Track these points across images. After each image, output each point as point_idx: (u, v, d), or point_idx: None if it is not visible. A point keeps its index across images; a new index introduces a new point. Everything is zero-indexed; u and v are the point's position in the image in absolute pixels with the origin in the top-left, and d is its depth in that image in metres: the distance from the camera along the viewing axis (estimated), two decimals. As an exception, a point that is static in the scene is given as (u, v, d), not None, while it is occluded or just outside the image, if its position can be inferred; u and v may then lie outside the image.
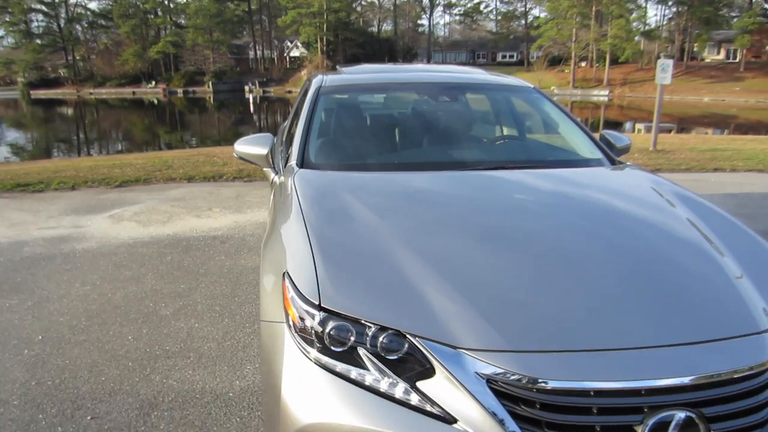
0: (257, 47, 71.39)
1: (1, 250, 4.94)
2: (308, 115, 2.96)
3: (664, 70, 10.75)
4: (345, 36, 65.75)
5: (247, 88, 61.04)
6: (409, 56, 76.37)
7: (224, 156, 10.17)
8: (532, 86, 3.63)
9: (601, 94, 56.14)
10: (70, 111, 46.78)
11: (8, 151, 21.28)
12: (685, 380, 1.40)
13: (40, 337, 3.33)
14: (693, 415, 1.37)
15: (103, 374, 2.91)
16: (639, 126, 20.21)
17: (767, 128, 28.95)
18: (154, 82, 63.48)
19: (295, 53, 71.15)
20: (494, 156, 3.24)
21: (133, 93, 61.15)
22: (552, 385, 1.37)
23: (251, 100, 52.44)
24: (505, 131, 3.73)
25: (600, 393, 1.38)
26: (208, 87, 60.68)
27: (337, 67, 3.95)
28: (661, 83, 10.87)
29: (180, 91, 61.16)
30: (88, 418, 2.55)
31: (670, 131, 18.77)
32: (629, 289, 1.68)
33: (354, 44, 66.40)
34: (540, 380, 1.37)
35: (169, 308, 3.71)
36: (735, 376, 1.44)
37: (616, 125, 29.87)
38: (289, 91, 60.55)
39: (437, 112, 3.49)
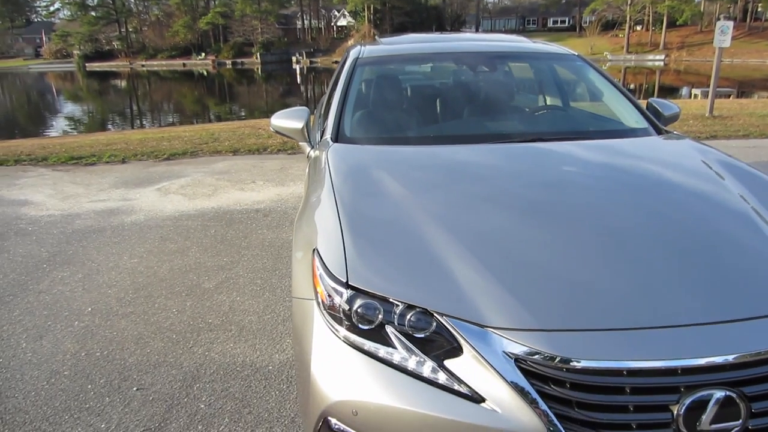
0: (304, 17, 71.25)
1: (55, 223, 5.12)
2: (344, 87, 2.90)
3: (724, 32, 10.14)
4: (392, 4, 64.80)
5: (294, 58, 61.14)
6: (457, 24, 74.72)
7: (269, 128, 10.23)
8: (576, 54, 3.46)
9: (656, 59, 53.72)
10: (123, 83, 48.04)
11: (66, 124, 22.03)
12: (726, 359, 1.33)
13: (89, 309, 3.44)
14: (733, 395, 1.30)
15: (149, 346, 2.99)
16: (695, 91, 19.26)
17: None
18: (203, 54, 64.37)
19: (342, 22, 70.72)
20: (536, 127, 3.12)
21: (184, 65, 62.20)
22: (583, 364, 1.32)
23: (298, 71, 52.53)
24: (548, 101, 3.59)
25: (634, 372, 1.32)
26: (256, 58, 61.09)
27: (376, 37, 3.85)
28: (720, 46, 10.27)
29: (229, 62, 61.82)
30: (134, 389, 2.62)
31: (728, 96, 17.79)
32: (670, 264, 1.60)
33: (401, 12, 65.40)
34: (571, 360, 1.32)
35: (211, 281, 3.77)
36: None
37: (671, 91, 28.62)
38: (336, 62, 60.17)
39: (477, 82, 3.37)
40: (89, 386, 2.66)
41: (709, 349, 1.34)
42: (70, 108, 29.52)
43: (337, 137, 2.63)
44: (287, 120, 2.86)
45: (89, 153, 8.29)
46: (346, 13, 68.38)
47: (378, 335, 1.49)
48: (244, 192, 6.02)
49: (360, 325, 1.51)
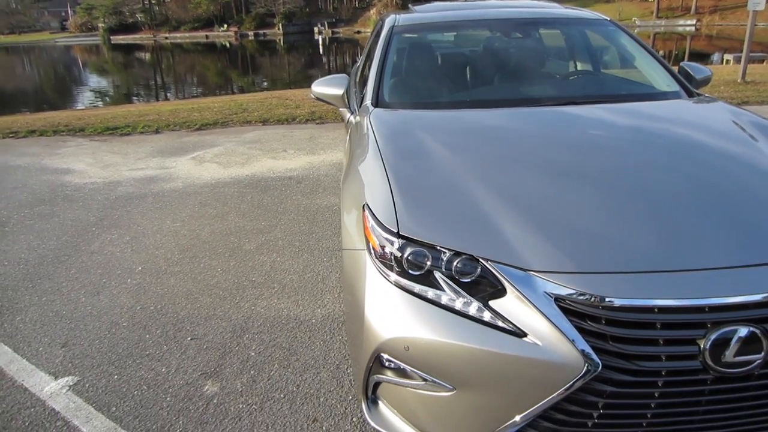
0: (327, -14, 70.49)
1: (99, 190, 5.36)
2: (382, 55, 3.02)
3: (760, -6, 9.90)
4: (414, -29, 63.62)
5: (316, 29, 60.75)
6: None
7: (296, 99, 10.36)
8: (608, 19, 3.51)
9: (687, 24, 52.15)
10: (147, 56, 48.35)
11: (94, 96, 22.40)
12: (750, 298, 1.44)
13: (140, 268, 3.66)
14: (756, 331, 1.41)
15: (198, 301, 3.19)
16: (727, 57, 18.79)
17: None
18: (225, 26, 64.27)
19: (364, -9, 69.76)
20: (568, 91, 3.22)
21: (206, 37, 62.25)
22: (617, 302, 1.44)
23: (320, 42, 52.24)
24: (580, 66, 3.65)
25: (664, 310, 1.44)
26: (278, 29, 60.82)
27: (410, 5, 3.93)
28: (754, 9, 10.03)
29: (251, 33, 61.69)
30: (189, 339, 2.83)
31: (762, 61, 17.34)
32: (698, 215, 1.71)
33: (423, -21, 64.20)
34: (606, 298, 1.45)
35: (252, 243, 3.96)
36: None
37: (701, 57, 27.87)
38: (358, 32, 59.82)
39: (510, 48, 3.45)
40: (147, 336, 2.88)
41: (734, 289, 1.46)
42: (96, 81, 29.93)
43: (377, 103, 2.77)
44: (328, 87, 2.99)
45: (123, 124, 8.52)
46: (368, -19, 67.39)
47: (427, 280, 1.64)
48: (276, 160, 6.19)
49: (410, 271, 1.65)
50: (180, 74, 33.30)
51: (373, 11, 59.66)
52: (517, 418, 1.51)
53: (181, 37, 63.21)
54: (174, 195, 5.14)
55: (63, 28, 76.70)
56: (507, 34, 3.47)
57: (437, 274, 1.63)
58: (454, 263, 1.61)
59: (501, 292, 1.55)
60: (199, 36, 62.85)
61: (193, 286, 3.37)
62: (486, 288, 1.58)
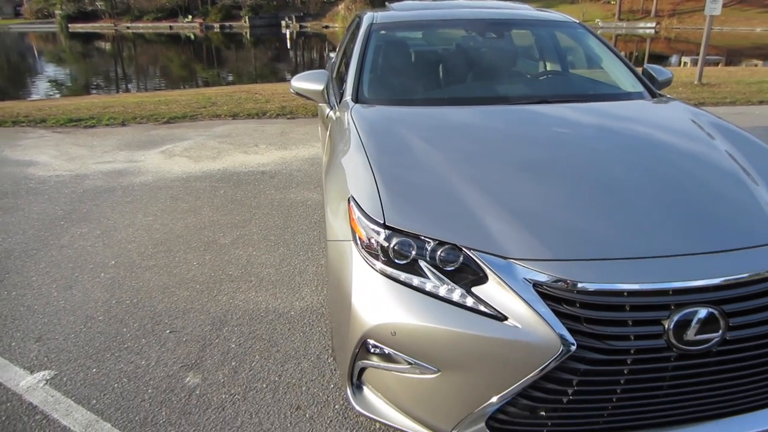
0: (294, -21, 69.74)
1: (65, 183, 5.27)
2: (361, 52, 3.07)
3: (715, 0, 10.29)
4: (382, -33, 63.53)
5: (283, 23, 60.08)
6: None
7: (266, 93, 10.31)
8: (577, 21, 3.66)
9: (647, 27, 53.55)
10: (107, 46, 47.06)
11: (51, 86, 21.73)
12: (710, 282, 1.59)
13: (113, 262, 3.63)
14: (715, 312, 1.55)
15: (175, 295, 3.20)
16: (685, 59, 19.44)
17: (826, 62, 27.52)
18: (190, 17, 62.91)
19: (332, -15, 69.36)
20: (539, 90, 3.36)
21: (170, 27, 60.84)
22: (590, 287, 1.57)
23: (288, 36, 51.73)
24: (550, 66, 3.78)
25: (632, 293, 1.57)
26: (245, 22, 59.88)
27: (387, 3, 4.00)
28: (710, 14, 10.43)
29: (217, 26, 60.58)
30: (167, 331, 2.84)
31: (717, 64, 18.02)
32: (663, 206, 1.85)
33: (392, -24, 64.16)
34: (580, 283, 1.57)
35: (227, 238, 3.97)
36: (756, 278, 1.62)
37: (661, 59, 28.71)
38: (326, 27, 59.46)
39: (485, 48, 3.55)
40: (124, 329, 2.87)
41: (695, 273, 1.60)
42: (53, 70, 28.97)
43: (357, 98, 2.83)
44: (308, 82, 3.03)
45: (87, 115, 8.35)
46: (335, -24, 67.01)
47: (412, 268, 1.72)
48: (248, 155, 6.18)
49: (396, 260, 1.73)
50: (142, 66, 32.53)
51: (341, 6, 59.39)
52: (494, 398, 1.61)
53: (144, 27, 61.60)
54: (144, 189, 5.09)
55: (17, 14, 73.97)
56: (482, 34, 3.57)
57: (422, 263, 1.71)
58: (438, 252, 1.69)
59: (483, 279, 1.64)
60: (163, 27, 61.39)
61: (169, 280, 3.37)
62: (468, 275, 1.67)
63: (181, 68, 30.67)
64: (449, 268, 1.68)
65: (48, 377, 2.52)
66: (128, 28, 61.57)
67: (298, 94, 3.08)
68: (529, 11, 3.76)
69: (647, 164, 2.16)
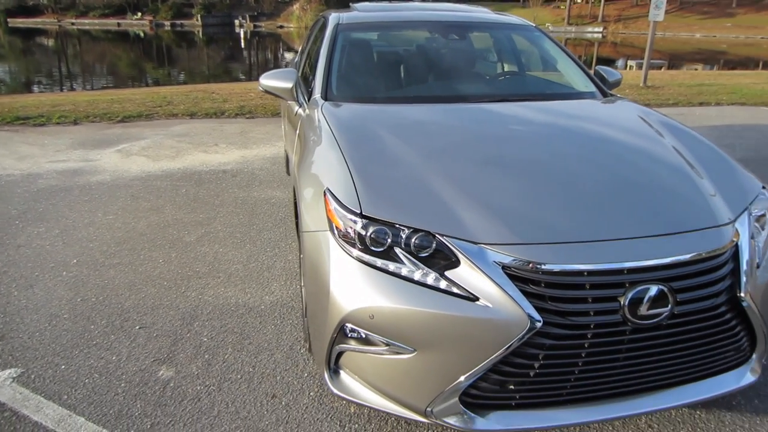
0: (246, -22, 68.74)
1: (17, 182, 5.13)
2: (328, 51, 3.15)
3: (658, 6, 10.78)
4: (337, -33, 63.44)
5: (237, 22, 59.24)
6: (402, -11, 74.18)
7: (223, 93, 10.22)
8: (534, 25, 3.84)
9: (595, 31, 55.29)
10: (51, 42, 45.36)
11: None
12: (660, 261, 1.75)
13: (75, 261, 3.58)
14: (664, 289, 1.72)
15: (142, 292, 3.19)
16: (631, 63, 20.25)
17: (755, 63, 29.15)
18: (140, 14, 61.21)
19: (287, -15, 68.78)
20: (499, 90, 3.51)
21: (118, 24, 59.09)
22: (554, 268, 1.71)
23: (242, 35, 51.04)
24: (509, 67, 3.94)
25: (591, 273, 1.72)
26: (197, 20, 58.71)
27: (350, 4, 4.08)
28: (654, 20, 10.93)
29: (167, 24, 59.17)
30: (137, 327, 2.84)
31: (660, 68, 18.83)
32: (616, 195, 2.02)
33: (346, -24, 64.13)
34: (545, 265, 1.71)
35: (192, 235, 3.97)
36: (699, 257, 1.80)
37: (608, 62, 29.69)
38: (281, 26, 58.95)
39: (447, 49, 3.68)
40: (92, 327, 2.86)
41: (647, 254, 1.76)
42: (-10, 67, 27.81)
43: (327, 96, 2.90)
44: (277, 80, 3.07)
45: (36, 113, 8.11)
46: (290, -25, 66.51)
47: (388, 255, 1.81)
48: (208, 154, 6.14)
49: (373, 248, 1.82)
50: (88, 63, 31.49)
51: (296, 6, 59.03)
52: (467, 374, 1.72)
53: (90, 23, 59.60)
54: (103, 188, 5.01)
55: (-48, 9, 70.48)
56: (444, 36, 3.70)
57: (397, 250, 1.80)
58: (413, 239, 1.80)
59: (455, 263, 1.75)
60: (110, 23, 59.54)
61: (135, 278, 3.36)
62: (441, 260, 1.77)
63: (130, 67, 29.88)
64: (423, 254, 1.78)
65: (15, 375, 2.49)
66: (73, 24, 59.45)
67: (266, 91, 3.12)
68: (488, 14, 3.92)
69: (600, 158, 2.33)
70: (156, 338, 2.75)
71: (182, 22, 59.62)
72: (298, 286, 3.22)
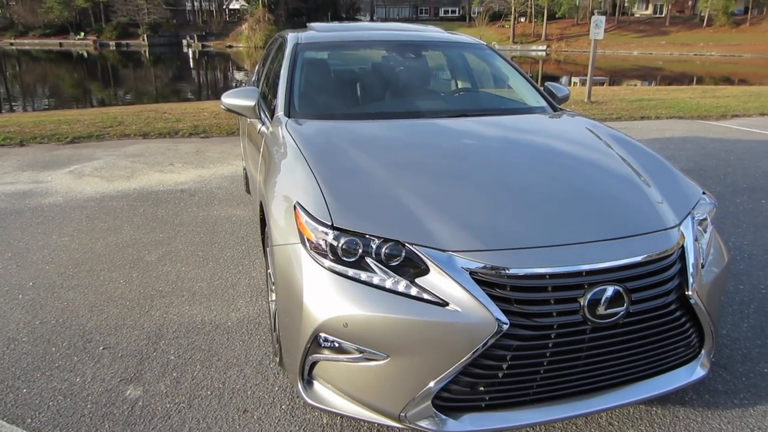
0: (194, -2, 68.22)
1: (-35, 206, 4.96)
2: (289, 70, 3.22)
3: (598, 25, 11.32)
4: (287, -12, 63.74)
5: (185, 42, 58.59)
6: (352, 11, 75.13)
7: (175, 112, 10.11)
8: (485, 44, 4.02)
9: (539, 49, 57.21)
10: (-12, 63, 43.76)
11: None
12: (614, 263, 1.88)
13: (31, 284, 3.50)
14: (620, 289, 1.85)
15: (104, 312, 3.14)
16: (574, 79, 21.08)
17: (689, 79, 30.78)
18: (83, 34, 59.79)
19: (234, 6, 68.60)
20: (454, 105, 3.65)
21: (60, 44, 57.54)
22: (518, 271, 1.81)
23: (191, 55, 50.43)
24: (462, 84, 4.09)
25: (552, 276, 1.83)
26: (143, 40, 57.79)
27: (307, 24, 4.16)
28: (595, 38, 11.45)
29: (112, 43, 57.99)
30: (101, 348, 2.80)
31: (602, 84, 19.71)
32: (571, 203, 2.15)
33: (296, -3, 64.61)
34: (509, 269, 1.81)
35: (153, 255, 3.93)
36: (650, 259, 1.94)
37: (553, 79, 30.53)
38: (230, 46, 58.60)
39: (405, 67, 3.80)
40: (53, 349, 2.80)
41: (602, 257, 1.88)
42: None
43: (290, 113, 2.96)
44: (239, 99, 3.11)
45: (-21, 136, 7.83)
46: (238, -5, 66.40)
47: (359, 265, 1.88)
48: (164, 174, 6.08)
49: (344, 258, 1.88)
50: (29, 84, 30.48)
51: (245, 26, 58.82)
52: (439, 377, 1.79)
53: (30, 43, 57.85)
54: (56, 209, 4.89)
55: None
56: (401, 54, 3.82)
57: (368, 259, 1.87)
58: (383, 249, 1.87)
59: (425, 271, 1.83)
60: (52, 43, 57.93)
61: (96, 299, 3.31)
62: (411, 268, 1.85)
63: (74, 87, 29.08)
64: (394, 263, 1.86)
65: (-27, 402, 2.42)
66: (11, 44, 57.50)
67: (229, 110, 3.16)
68: (441, 34, 4.07)
69: (554, 169, 2.46)
70: (121, 358, 2.72)
71: (128, 41, 58.57)
72: (265, 302, 3.24)
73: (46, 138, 7.84)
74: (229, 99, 3.13)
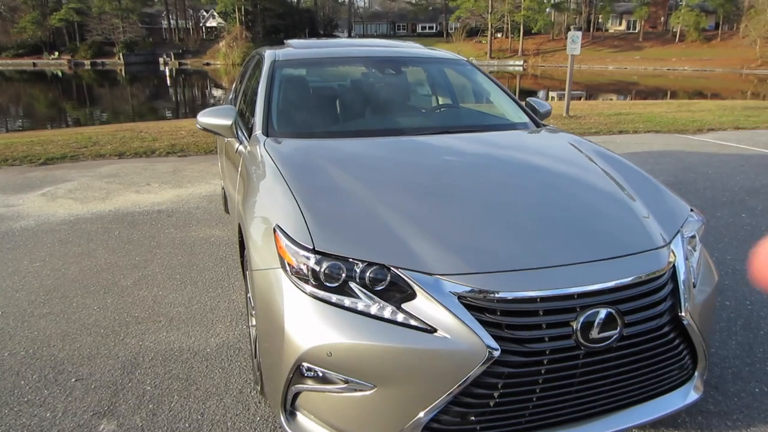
0: (171, 16, 67.88)
1: (-69, 232, 4.78)
2: (267, 88, 3.15)
3: (574, 41, 11.47)
4: (264, 6, 63.79)
5: (161, 60, 58.29)
6: (330, 28, 75.51)
7: (151, 131, 9.97)
8: (466, 59, 3.99)
9: (516, 64, 57.98)
10: (-40, 84, 43.01)
11: None
12: (605, 285, 1.81)
13: (0, 312, 3.36)
14: (612, 311, 1.78)
15: (77, 341, 3.02)
16: (552, 94, 21.25)
17: (663, 93, 31.39)
18: (57, 53, 59.15)
19: (211, 23, 68.51)
20: (437, 122, 3.60)
21: (34, 64, 56.86)
22: (507, 295, 1.74)
23: (168, 73, 50.15)
24: (444, 101, 4.06)
25: (544, 299, 1.76)
26: (119, 59, 57.36)
27: (285, 41, 4.11)
28: (572, 53, 11.59)
29: (87, 63, 57.45)
30: (73, 380, 2.67)
31: (580, 98, 19.91)
32: (557, 224, 2.07)
33: (273, 15, 64.69)
34: (498, 293, 1.73)
35: (128, 279, 3.80)
36: (641, 280, 1.87)
37: (530, 94, 31.09)
38: (208, 64, 58.42)
39: (384, 84, 3.76)
40: (22, 382, 2.67)
41: (593, 278, 1.81)
42: None
43: (268, 132, 2.88)
44: (215, 118, 3.03)
45: (-53, 159, 7.62)
46: (215, 13, 66.28)
47: (342, 290, 1.79)
48: (140, 194, 5.95)
49: (327, 283, 1.79)
50: (2, 104, 30.01)
51: (222, 44, 58.73)
52: (428, 407, 1.71)
53: (3, 63, 57.04)
54: (27, 234, 4.74)
55: None
56: (380, 71, 3.78)
57: (352, 284, 1.79)
58: (368, 273, 1.79)
59: (411, 296, 1.75)
60: (25, 63, 57.19)
61: (68, 327, 3.17)
62: (397, 293, 1.77)
63: (48, 107, 28.68)
64: (379, 288, 1.78)
65: (-64, 442, 2.29)
66: (-16, 65, 56.69)
67: (205, 129, 3.08)
68: (421, 50, 4.04)
69: (540, 187, 2.40)
70: (94, 390, 2.60)
71: (103, 60, 58.12)
72: (245, 326, 3.14)
73: (18, 160, 7.65)
74: (205, 118, 3.05)
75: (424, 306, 1.73)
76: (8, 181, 6.61)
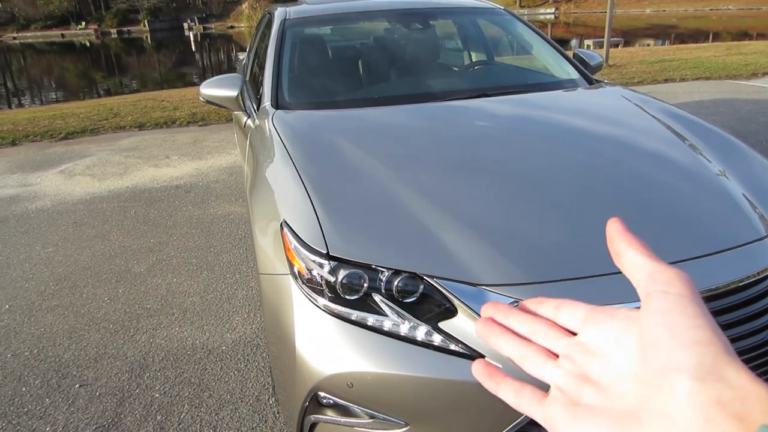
0: (192, -21, 66.96)
1: (-53, 216, 4.62)
2: (276, 52, 2.76)
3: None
4: (286, -38, 62.21)
5: (186, 25, 57.77)
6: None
7: (173, 99, 9.69)
8: (502, 8, 3.51)
9: (547, 12, 55.74)
10: (-7, 59, 43.46)
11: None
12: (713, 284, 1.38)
13: (7, 307, 3.15)
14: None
15: (84, 339, 2.78)
16: (587, 42, 20.12)
17: (705, 36, 29.60)
18: (84, 23, 59.19)
19: (234, -16, 67.33)
20: (475, 84, 3.14)
21: (62, 35, 57.04)
22: None
23: (192, 39, 49.66)
24: (483, 56, 3.60)
25: None
26: (144, 26, 57.09)
27: (298, -3, 3.69)
28: (611, -4, 10.78)
29: (114, 31, 57.34)
30: (77, 386, 2.44)
31: (617, 45, 18.81)
32: (637, 214, 1.63)
33: (297, -29, 63.10)
34: None
35: (142, 265, 3.55)
36: (737, 285, 1.42)
37: (563, 43, 29.75)
38: (232, 27, 57.77)
39: (410, 41, 3.32)
40: (24, 389, 2.45)
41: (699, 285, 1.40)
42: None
43: (278, 104, 2.51)
44: (220, 89, 2.67)
45: (-29, 137, 7.49)
46: (238, -26, 65.07)
47: (365, 304, 1.44)
48: (159, 168, 5.69)
49: (346, 296, 1.45)
50: (35, 77, 30.13)
51: (245, 5, 57.82)
52: None
53: (33, 36, 57.32)
54: (42, 216, 4.53)
55: None
56: (406, 26, 3.34)
57: (377, 297, 1.44)
58: (395, 283, 1.42)
59: (451, 312, 1.39)
60: (54, 35, 57.36)
61: (76, 322, 2.94)
62: (433, 308, 1.41)
63: (79, 78, 28.70)
64: (409, 301, 1.42)
65: (-71, 462, 2.08)
66: (14, 38, 57.17)
67: (209, 102, 2.72)
68: (451, 0, 3.57)
69: (607, 166, 1.93)
70: (99, 398, 2.36)
71: (129, 28, 57.95)
72: (263, 319, 2.85)
73: (39, 135, 7.46)
74: (208, 89, 2.69)
75: (467, 325, 1.37)
76: (28, 157, 6.43)
